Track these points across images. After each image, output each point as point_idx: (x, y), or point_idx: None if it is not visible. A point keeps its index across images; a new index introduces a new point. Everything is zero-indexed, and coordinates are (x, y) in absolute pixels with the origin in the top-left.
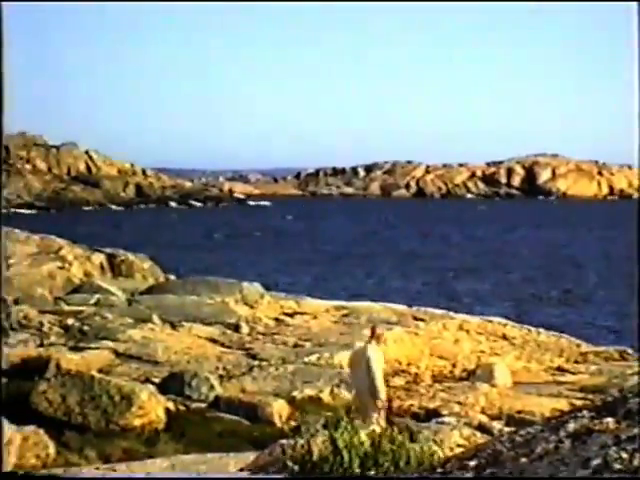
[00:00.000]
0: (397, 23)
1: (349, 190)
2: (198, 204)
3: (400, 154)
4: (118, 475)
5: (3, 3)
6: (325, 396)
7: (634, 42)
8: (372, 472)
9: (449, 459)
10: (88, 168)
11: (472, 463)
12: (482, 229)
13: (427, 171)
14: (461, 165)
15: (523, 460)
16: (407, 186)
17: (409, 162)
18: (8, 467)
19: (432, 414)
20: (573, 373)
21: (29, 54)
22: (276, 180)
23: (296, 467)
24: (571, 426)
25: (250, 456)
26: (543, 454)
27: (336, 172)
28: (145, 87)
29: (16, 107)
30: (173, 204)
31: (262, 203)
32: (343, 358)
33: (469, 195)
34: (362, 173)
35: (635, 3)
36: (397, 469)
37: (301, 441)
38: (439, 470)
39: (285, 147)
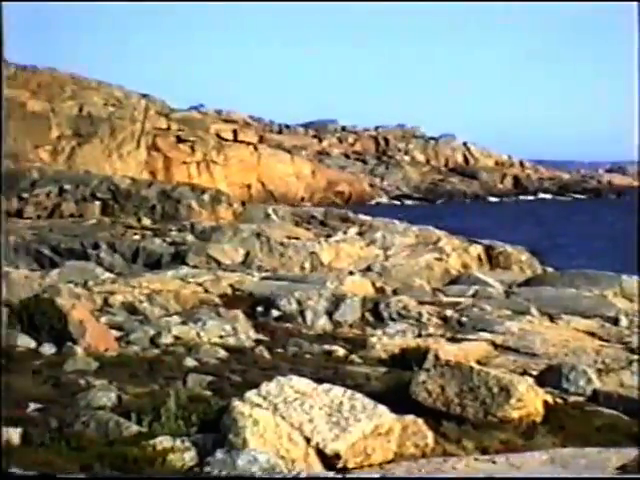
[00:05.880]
0: None
1: None
2: (574, 196)
3: None
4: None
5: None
6: None
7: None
8: None
9: None
10: (465, 160)
11: None
12: None
13: None
14: None
15: None
16: None
17: None
18: (389, 455)
19: None
20: None
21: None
22: None
23: None
24: None
25: (632, 452)
26: None
27: None
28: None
29: (394, 101)
30: (547, 196)
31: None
32: None
33: None
34: None
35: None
36: None
37: None
38: None
39: None
